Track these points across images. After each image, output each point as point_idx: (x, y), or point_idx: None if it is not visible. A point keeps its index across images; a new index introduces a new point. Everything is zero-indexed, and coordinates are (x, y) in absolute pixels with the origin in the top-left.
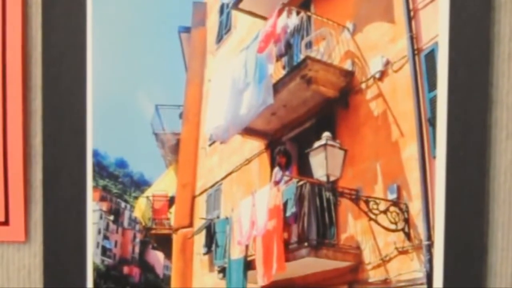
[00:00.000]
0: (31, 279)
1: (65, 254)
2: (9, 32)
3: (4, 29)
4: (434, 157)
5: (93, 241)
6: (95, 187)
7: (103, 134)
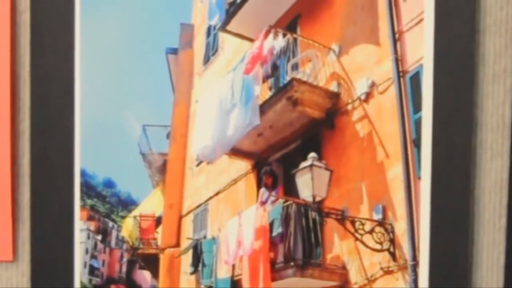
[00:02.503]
0: None
1: (53, 273)
2: None
3: None
4: (419, 178)
5: (80, 260)
6: (82, 207)
7: (91, 154)
